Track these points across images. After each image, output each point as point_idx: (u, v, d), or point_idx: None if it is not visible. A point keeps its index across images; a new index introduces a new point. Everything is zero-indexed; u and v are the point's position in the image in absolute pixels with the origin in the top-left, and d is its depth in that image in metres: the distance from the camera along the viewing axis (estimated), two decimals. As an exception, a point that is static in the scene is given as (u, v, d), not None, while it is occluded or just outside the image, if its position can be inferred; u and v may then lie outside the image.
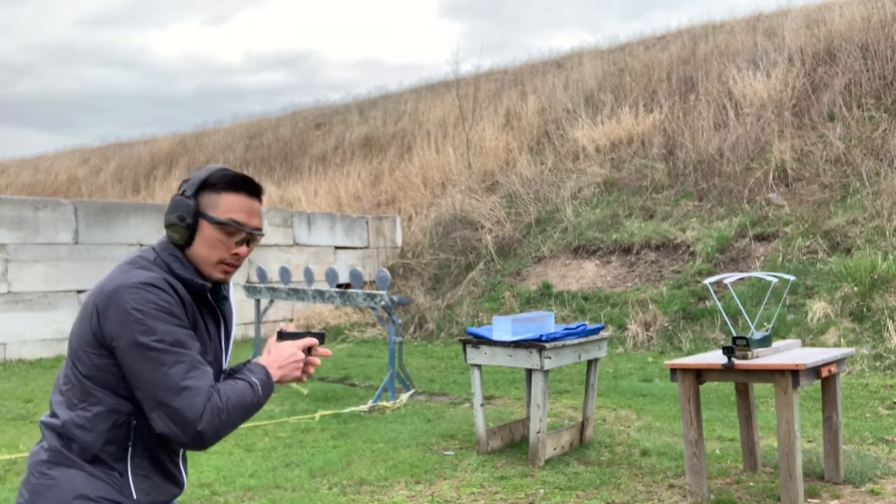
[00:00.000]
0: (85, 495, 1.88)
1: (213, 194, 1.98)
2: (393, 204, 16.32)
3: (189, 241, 1.98)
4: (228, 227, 1.97)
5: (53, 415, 1.95)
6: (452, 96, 18.12)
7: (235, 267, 2.05)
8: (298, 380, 2.04)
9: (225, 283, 2.07)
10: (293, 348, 2.03)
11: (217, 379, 2.00)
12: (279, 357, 2.01)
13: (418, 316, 12.14)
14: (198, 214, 1.97)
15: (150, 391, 1.83)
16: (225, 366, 2.12)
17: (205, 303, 2.02)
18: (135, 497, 1.93)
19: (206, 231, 1.97)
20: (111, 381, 1.88)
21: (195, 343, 1.91)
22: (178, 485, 2.07)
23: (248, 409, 1.91)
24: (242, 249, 2.01)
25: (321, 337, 2.09)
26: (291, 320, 13.31)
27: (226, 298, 2.10)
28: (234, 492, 4.80)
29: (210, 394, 1.85)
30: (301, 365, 2.03)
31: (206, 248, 1.98)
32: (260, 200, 2.07)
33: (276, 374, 1.98)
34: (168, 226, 1.97)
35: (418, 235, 14.65)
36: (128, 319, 1.83)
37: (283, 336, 2.06)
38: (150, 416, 1.84)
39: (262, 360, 2.01)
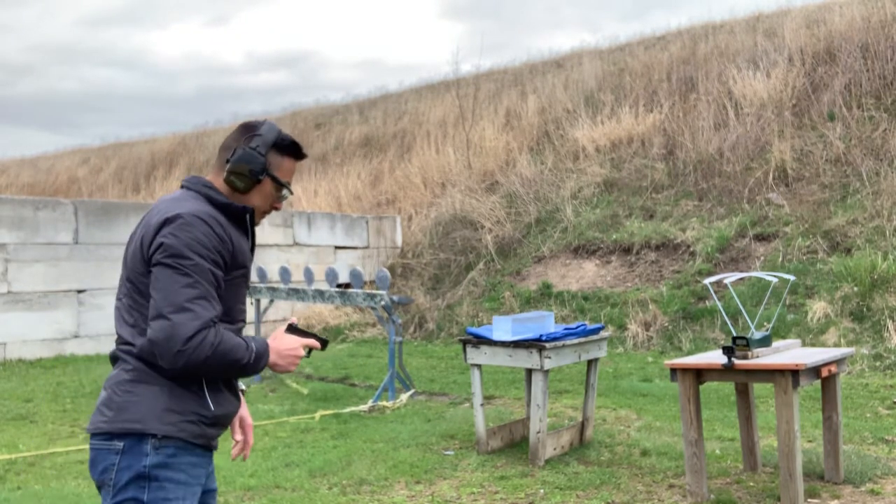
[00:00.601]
0: (171, 408, 2.04)
1: (279, 156, 2.23)
2: (393, 204, 16.31)
3: (248, 190, 2.19)
4: (283, 188, 2.25)
5: (127, 343, 2.08)
6: (452, 96, 18.11)
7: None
8: (287, 372, 2.19)
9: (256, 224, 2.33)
10: (296, 343, 2.17)
11: (242, 293, 2.23)
12: (281, 345, 2.15)
13: (418, 316, 12.15)
14: (266, 172, 2.19)
15: (157, 301, 1.97)
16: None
17: (240, 226, 2.21)
18: (212, 409, 2.12)
19: (266, 187, 2.22)
20: None
21: (215, 282, 2.04)
22: (239, 399, 2.26)
23: (233, 364, 2.02)
24: (280, 203, 2.30)
25: (324, 342, 2.24)
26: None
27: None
28: (234, 492, 4.80)
29: (208, 325, 1.97)
30: (297, 361, 2.17)
31: (260, 199, 2.23)
32: None
33: (272, 358, 2.12)
34: (235, 172, 2.17)
35: (418, 235, 14.65)
36: (164, 242, 2.02)
37: (291, 329, 2.21)
38: (149, 324, 1.98)
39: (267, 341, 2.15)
